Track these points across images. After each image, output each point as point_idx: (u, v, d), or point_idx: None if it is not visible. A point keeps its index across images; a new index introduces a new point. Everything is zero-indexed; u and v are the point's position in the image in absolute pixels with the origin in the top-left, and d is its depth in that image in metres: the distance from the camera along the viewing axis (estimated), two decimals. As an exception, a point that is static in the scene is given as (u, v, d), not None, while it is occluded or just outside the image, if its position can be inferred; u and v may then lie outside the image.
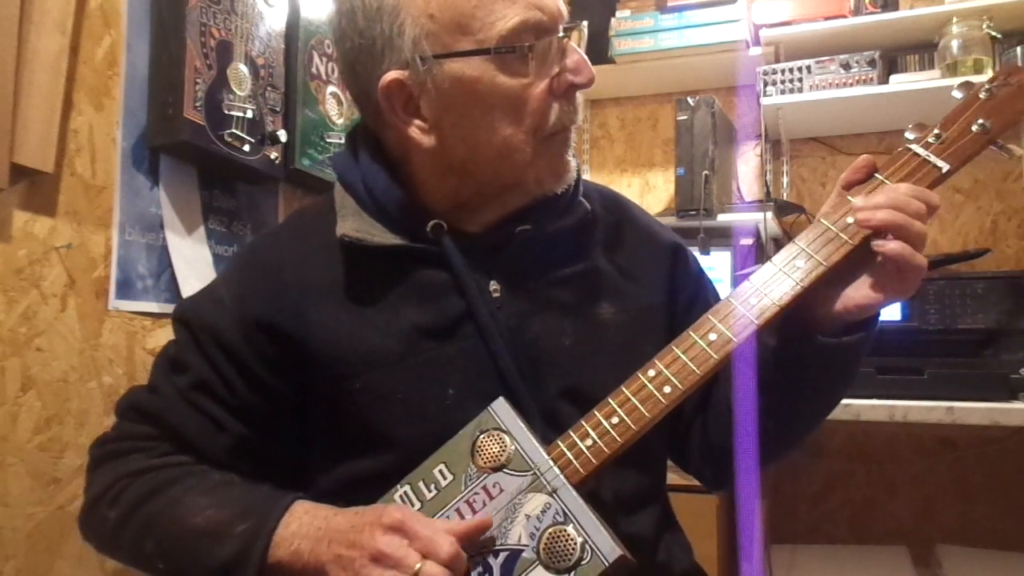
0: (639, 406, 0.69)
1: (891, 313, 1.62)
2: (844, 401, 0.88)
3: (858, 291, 0.71)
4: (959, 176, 1.94)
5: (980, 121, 0.73)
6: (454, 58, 0.73)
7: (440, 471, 0.70)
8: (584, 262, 0.84)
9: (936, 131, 0.74)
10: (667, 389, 0.69)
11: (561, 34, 0.76)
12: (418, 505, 0.69)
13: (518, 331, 0.78)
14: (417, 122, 0.77)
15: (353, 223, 0.79)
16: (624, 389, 0.70)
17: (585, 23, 0.80)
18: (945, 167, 0.73)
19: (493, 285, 0.79)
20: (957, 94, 0.76)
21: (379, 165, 0.81)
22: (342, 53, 0.80)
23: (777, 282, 0.71)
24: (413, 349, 0.77)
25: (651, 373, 0.70)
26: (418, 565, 0.61)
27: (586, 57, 0.77)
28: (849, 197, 0.74)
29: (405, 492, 0.70)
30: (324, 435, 0.80)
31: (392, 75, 0.75)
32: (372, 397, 0.76)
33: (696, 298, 0.89)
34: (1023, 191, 1.94)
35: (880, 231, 0.69)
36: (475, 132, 0.76)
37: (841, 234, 0.71)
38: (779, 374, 0.76)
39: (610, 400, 0.70)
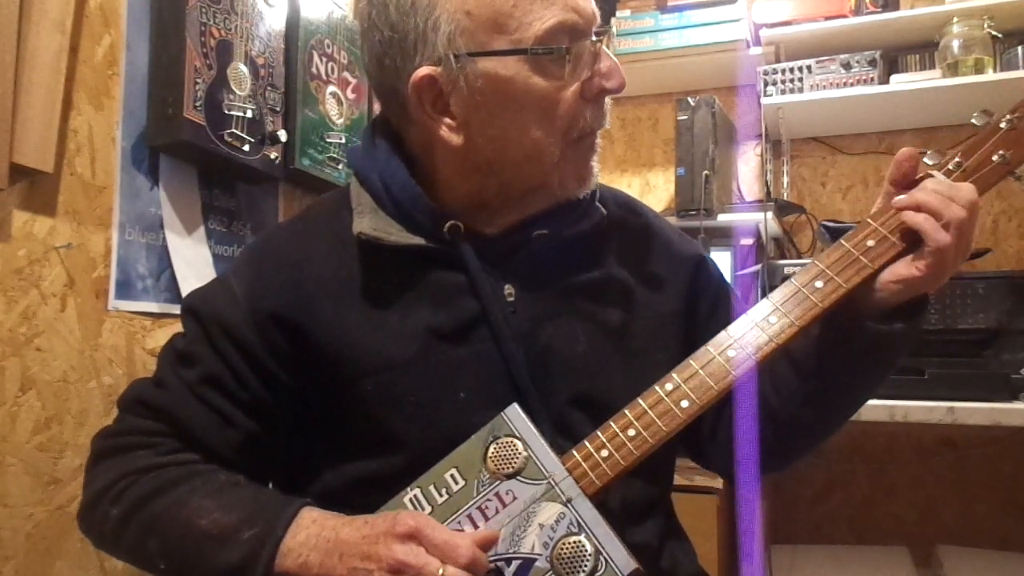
0: (656, 420, 0.69)
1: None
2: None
3: (891, 271, 0.72)
4: (960, 176, 1.94)
5: (1001, 152, 0.74)
6: (489, 57, 0.72)
7: (452, 476, 0.69)
8: (600, 268, 0.83)
9: (957, 159, 0.75)
10: (684, 404, 0.69)
11: (594, 38, 0.75)
12: (428, 509, 0.68)
13: (531, 335, 0.78)
14: (446, 120, 0.76)
15: (370, 221, 0.78)
16: (641, 402, 0.70)
17: (614, 28, 0.80)
18: None
19: (508, 288, 0.79)
20: (976, 122, 0.77)
21: (399, 162, 0.80)
22: (369, 45, 0.79)
23: (797, 302, 0.72)
24: (426, 351, 0.76)
25: (669, 387, 0.70)
26: (440, 571, 0.61)
27: (617, 62, 0.77)
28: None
29: (415, 496, 0.69)
30: (332, 434, 0.79)
31: (424, 71, 0.74)
32: (383, 399, 0.75)
33: (717, 307, 0.89)
34: (1023, 191, 1.94)
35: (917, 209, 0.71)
36: (505, 132, 0.75)
37: (862, 257, 0.72)
38: (822, 361, 0.76)
39: (627, 412, 0.70)
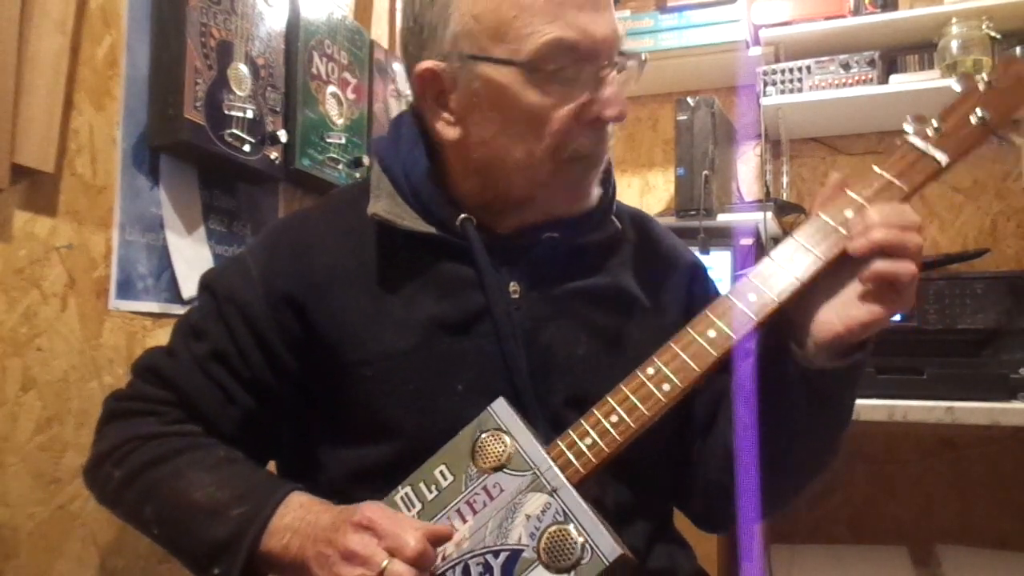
0: (639, 404, 0.68)
1: (891, 313, 1.62)
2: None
3: (859, 308, 0.66)
4: (958, 175, 1.94)
5: (979, 112, 0.71)
6: (487, 62, 0.74)
7: (441, 472, 0.70)
8: (606, 276, 0.84)
9: (935, 123, 0.72)
10: (666, 387, 0.68)
11: (606, 63, 0.75)
12: (419, 507, 0.69)
13: (533, 334, 0.78)
14: (445, 114, 0.78)
15: (386, 204, 0.80)
16: (623, 387, 0.70)
17: (646, 56, 0.79)
18: (944, 159, 0.71)
19: (513, 286, 0.79)
20: (956, 86, 0.74)
21: (422, 151, 0.82)
22: (399, 32, 0.83)
23: (776, 278, 0.70)
24: (427, 341, 0.77)
25: (650, 371, 0.70)
26: (385, 563, 0.62)
27: (621, 92, 0.76)
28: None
29: (406, 493, 0.70)
30: (333, 421, 0.81)
31: (429, 64, 0.76)
32: (382, 386, 0.77)
33: None
34: (1023, 191, 1.94)
35: (876, 253, 0.65)
36: (497, 138, 0.76)
37: (840, 228, 0.69)
38: (778, 414, 0.74)
39: (609, 399, 0.69)
